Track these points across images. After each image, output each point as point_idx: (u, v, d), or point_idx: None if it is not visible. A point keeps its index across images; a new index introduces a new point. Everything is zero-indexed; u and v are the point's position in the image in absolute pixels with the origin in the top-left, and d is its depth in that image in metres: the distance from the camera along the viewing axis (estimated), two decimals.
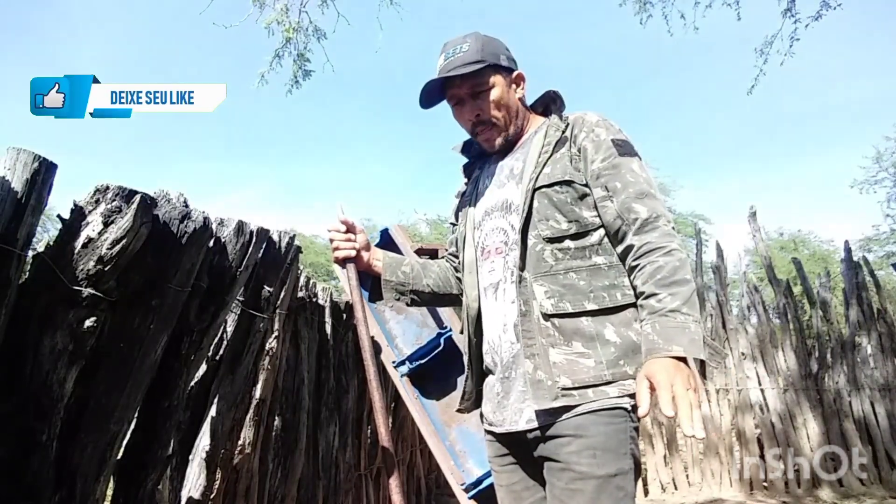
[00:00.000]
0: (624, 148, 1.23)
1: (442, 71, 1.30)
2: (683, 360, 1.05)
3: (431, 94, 1.36)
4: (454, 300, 1.53)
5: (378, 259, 1.46)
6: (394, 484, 1.24)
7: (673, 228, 1.17)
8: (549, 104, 1.40)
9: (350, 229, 1.41)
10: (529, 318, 1.19)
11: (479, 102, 1.32)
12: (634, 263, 1.16)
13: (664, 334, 1.06)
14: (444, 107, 1.41)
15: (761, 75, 4.95)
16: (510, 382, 1.25)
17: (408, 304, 1.49)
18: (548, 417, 1.15)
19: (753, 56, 4.96)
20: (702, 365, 5.16)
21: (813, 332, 5.24)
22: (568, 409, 1.12)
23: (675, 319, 1.06)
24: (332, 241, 1.42)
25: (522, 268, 1.22)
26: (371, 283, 1.47)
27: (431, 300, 1.52)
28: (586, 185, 1.24)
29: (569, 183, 1.23)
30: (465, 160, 1.54)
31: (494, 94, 1.31)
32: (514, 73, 1.37)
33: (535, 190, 1.24)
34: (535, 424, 1.17)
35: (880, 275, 6.65)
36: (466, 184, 1.52)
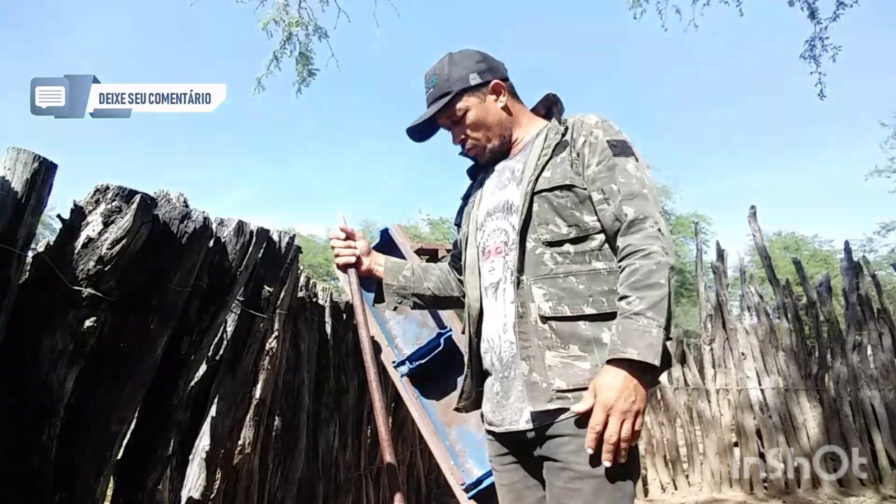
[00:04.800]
0: (619, 148, 1.23)
1: (423, 109, 1.40)
2: (642, 363, 1.05)
3: (423, 128, 1.44)
4: (455, 303, 1.54)
5: (379, 264, 1.49)
6: (397, 497, 1.28)
7: (660, 230, 1.15)
8: (552, 106, 1.41)
9: (350, 236, 1.48)
10: (526, 319, 1.20)
11: (458, 129, 1.39)
12: (618, 266, 1.17)
13: (624, 336, 1.07)
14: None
15: (823, 77, 5.10)
16: (509, 382, 1.25)
17: (410, 308, 1.52)
18: (547, 417, 1.15)
19: (804, 64, 5.10)
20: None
21: (813, 331, 5.24)
22: (565, 410, 1.13)
23: (637, 322, 1.07)
24: (333, 247, 1.47)
25: (521, 270, 1.23)
26: (375, 286, 1.52)
27: (433, 303, 1.55)
28: (587, 189, 1.24)
29: (570, 188, 1.23)
30: (471, 163, 1.54)
31: (469, 118, 1.36)
32: (490, 86, 1.37)
33: (534, 193, 1.25)
34: (534, 424, 1.17)
35: (880, 275, 6.64)
36: (471, 186, 1.53)
